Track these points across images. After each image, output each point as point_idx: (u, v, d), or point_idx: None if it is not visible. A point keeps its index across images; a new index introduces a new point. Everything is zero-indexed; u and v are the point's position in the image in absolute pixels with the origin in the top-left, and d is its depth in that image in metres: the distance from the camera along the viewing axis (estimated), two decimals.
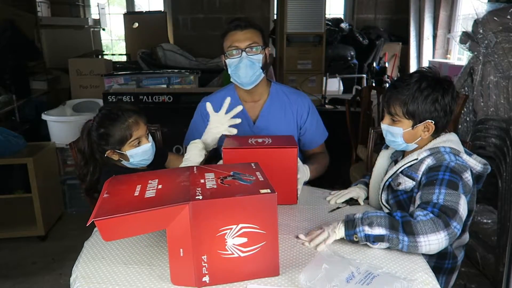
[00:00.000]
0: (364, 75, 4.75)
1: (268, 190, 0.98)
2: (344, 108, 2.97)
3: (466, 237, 1.44)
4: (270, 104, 1.81)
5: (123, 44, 6.00)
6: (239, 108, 1.58)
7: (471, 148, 1.61)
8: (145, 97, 3.14)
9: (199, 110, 1.87)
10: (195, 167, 1.14)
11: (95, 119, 1.50)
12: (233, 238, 0.97)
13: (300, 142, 1.87)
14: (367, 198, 1.58)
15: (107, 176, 1.14)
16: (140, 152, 1.49)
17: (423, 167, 1.33)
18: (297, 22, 4.24)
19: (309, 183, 1.68)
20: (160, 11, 5.79)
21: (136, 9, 6.23)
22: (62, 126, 3.33)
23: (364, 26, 5.67)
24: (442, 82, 1.33)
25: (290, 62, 4.37)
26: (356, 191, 1.56)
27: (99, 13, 5.83)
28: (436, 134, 1.38)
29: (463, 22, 3.44)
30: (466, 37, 2.96)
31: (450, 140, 1.36)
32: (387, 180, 1.43)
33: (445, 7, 4.65)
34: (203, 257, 0.97)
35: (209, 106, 1.59)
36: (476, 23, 2.79)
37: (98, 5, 5.84)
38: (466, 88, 2.91)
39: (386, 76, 4.66)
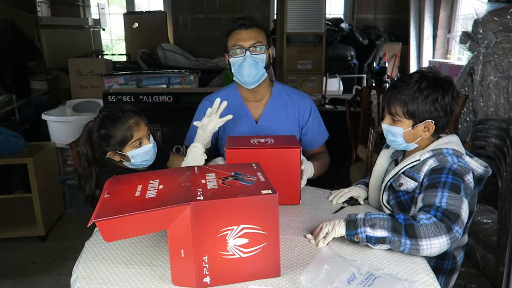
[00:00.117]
0: (364, 75, 4.76)
1: (269, 191, 0.98)
2: (344, 108, 2.97)
3: (465, 238, 1.45)
4: (273, 104, 1.81)
5: (123, 44, 6.00)
6: (225, 104, 1.58)
7: (471, 148, 1.61)
8: (145, 97, 3.14)
9: (201, 109, 1.87)
10: (196, 167, 1.14)
11: (95, 120, 1.50)
12: (234, 239, 0.97)
13: (301, 142, 1.87)
14: (367, 198, 1.58)
15: (108, 176, 1.14)
16: (141, 153, 1.48)
17: (425, 168, 1.34)
18: (297, 22, 4.24)
19: (309, 183, 1.68)
20: (160, 11, 5.80)
21: (136, 9, 6.24)
22: (62, 126, 3.33)
23: (364, 26, 5.67)
24: (442, 82, 1.33)
25: (290, 62, 4.36)
26: (356, 191, 1.57)
27: (99, 13, 5.83)
28: (436, 134, 1.38)
29: (463, 22, 3.43)
30: (466, 37, 2.96)
31: (452, 142, 1.36)
32: (388, 181, 1.44)
33: (445, 7, 4.65)
34: (204, 257, 0.97)
35: (217, 102, 1.59)
36: (476, 23, 2.79)
37: (98, 5, 5.83)
38: (466, 88, 2.91)
39: (386, 76, 4.66)
